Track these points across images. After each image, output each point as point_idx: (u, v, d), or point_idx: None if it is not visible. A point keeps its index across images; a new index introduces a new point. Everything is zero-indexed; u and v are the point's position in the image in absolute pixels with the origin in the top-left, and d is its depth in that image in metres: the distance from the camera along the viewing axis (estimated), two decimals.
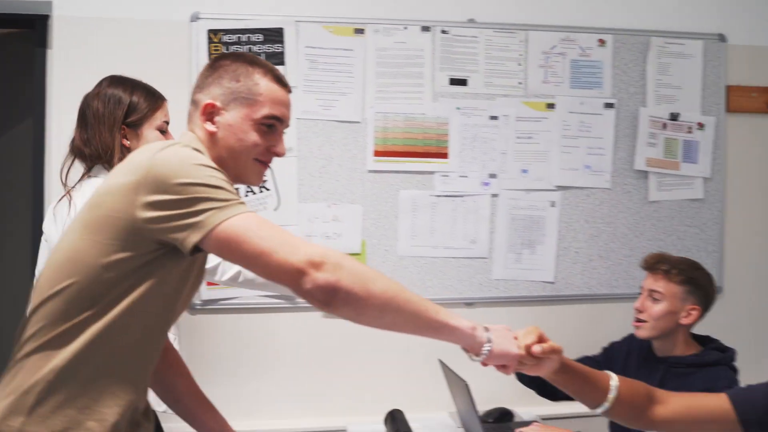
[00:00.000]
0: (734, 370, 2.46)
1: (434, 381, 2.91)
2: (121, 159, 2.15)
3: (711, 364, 2.45)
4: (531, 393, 2.81)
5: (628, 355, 2.68)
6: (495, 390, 2.80)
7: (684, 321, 2.47)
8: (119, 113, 2.34)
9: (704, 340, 2.56)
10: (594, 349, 3.08)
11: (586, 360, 2.77)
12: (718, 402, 1.64)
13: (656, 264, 2.56)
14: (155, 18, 2.96)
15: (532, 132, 3.16)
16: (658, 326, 2.51)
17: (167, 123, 2.40)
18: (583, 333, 3.21)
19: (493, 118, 3.14)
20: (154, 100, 2.40)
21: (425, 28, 3.08)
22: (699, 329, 2.56)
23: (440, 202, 3.09)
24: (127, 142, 2.33)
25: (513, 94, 3.15)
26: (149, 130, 2.35)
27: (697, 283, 2.49)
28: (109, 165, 2.29)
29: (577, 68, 3.19)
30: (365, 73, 3.03)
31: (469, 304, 3.13)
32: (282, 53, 2.95)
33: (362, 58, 3.02)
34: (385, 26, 3.05)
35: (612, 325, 3.13)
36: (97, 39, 2.94)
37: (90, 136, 2.35)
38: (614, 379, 1.62)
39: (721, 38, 3.33)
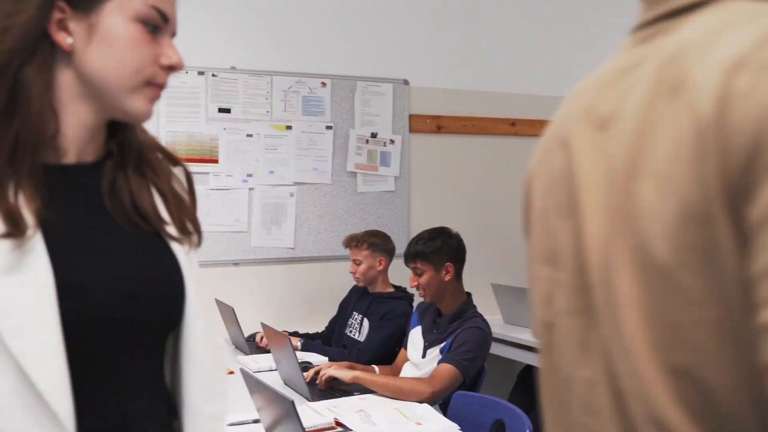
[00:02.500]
0: (411, 306, 3.90)
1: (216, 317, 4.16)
2: None
3: (396, 297, 3.92)
4: (288, 317, 4.15)
5: (353, 296, 4.10)
6: (258, 316, 4.07)
7: (380, 268, 3.93)
8: None
9: (397, 287, 4.01)
10: (325, 294, 4.46)
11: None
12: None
13: (349, 243, 4.00)
14: None
15: (277, 145, 4.42)
16: (367, 277, 3.94)
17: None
18: (316, 283, 4.57)
19: (249, 135, 4.35)
20: None
21: (201, 73, 4.26)
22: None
23: (214, 193, 4.28)
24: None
25: (262, 119, 4.39)
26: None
27: (376, 244, 3.95)
28: None
29: (307, 102, 4.49)
30: (159, 103, 4.17)
31: (236, 264, 4.39)
32: None
33: None
34: None
35: (335, 277, 4.52)
36: None
37: None
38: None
39: (405, 82, 4.76)
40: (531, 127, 5.17)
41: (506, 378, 4.66)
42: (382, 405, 2.73)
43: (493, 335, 4.35)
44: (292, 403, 1.88)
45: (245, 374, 2.26)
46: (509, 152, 5.12)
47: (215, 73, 4.31)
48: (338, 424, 2.52)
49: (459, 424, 2.54)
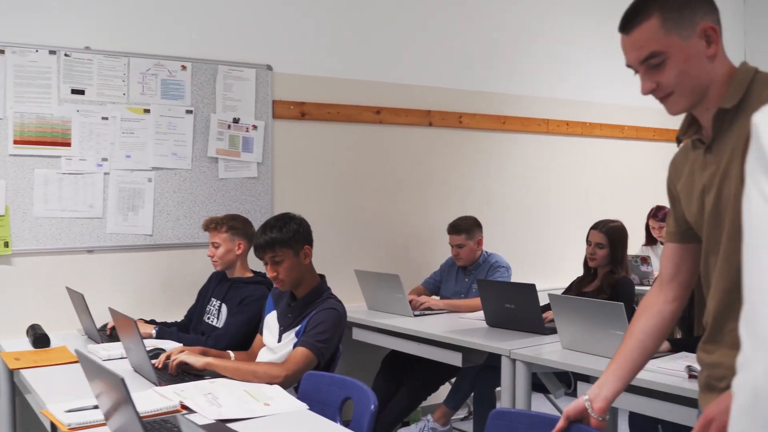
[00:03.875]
0: (269, 288, 3.87)
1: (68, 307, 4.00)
2: None
3: (255, 282, 3.88)
4: (146, 306, 4.05)
5: (211, 283, 4.04)
6: (115, 305, 3.96)
7: (238, 252, 3.88)
8: None
9: (257, 273, 3.96)
10: (184, 281, 4.35)
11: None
12: None
13: (208, 225, 3.94)
14: None
15: (134, 129, 4.29)
16: (225, 261, 3.89)
17: None
18: (175, 271, 4.47)
19: (105, 118, 4.21)
20: None
21: (52, 52, 4.08)
22: None
23: (66, 177, 4.12)
24: None
25: (119, 102, 4.25)
26: None
27: (235, 227, 3.91)
28: None
29: (166, 85, 4.38)
30: (6, 83, 3.96)
31: (90, 251, 4.24)
32: None
33: (3, 72, 3.96)
34: (21, 49, 4.01)
35: (195, 265, 4.45)
36: None
37: None
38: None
39: (269, 68, 4.74)
40: (395, 116, 5.23)
41: (371, 364, 4.68)
42: (232, 387, 2.69)
43: (358, 322, 4.40)
44: (122, 380, 1.81)
45: (81, 357, 2.18)
46: (374, 140, 5.16)
47: (68, 53, 4.14)
48: (183, 407, 2.47)
49: (308, 404, 2.53)
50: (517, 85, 5.87)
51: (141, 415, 2.35)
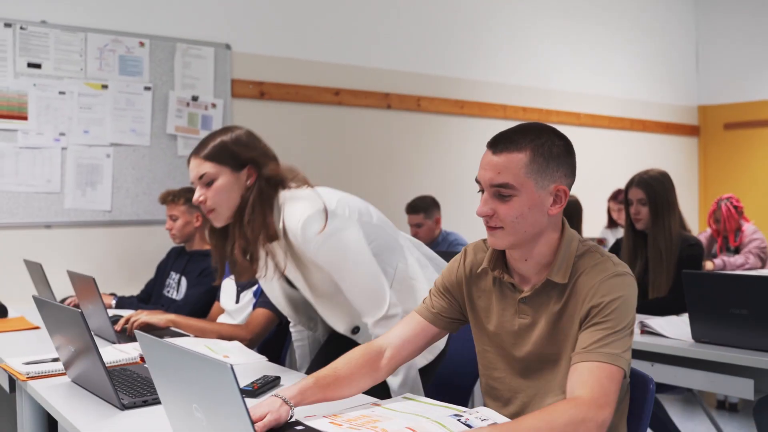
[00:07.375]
0: None
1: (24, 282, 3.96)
2: None
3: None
4: (105, 282, 4.01)
5: (171, 257, 4.02)
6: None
7: (197, 225, 3.88)
8: None
9: None
10: (143, 258, 4.33)
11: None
12: None
13: (165, 198, 3.92)
14: None
15: (92, 104, 4.28)
16: (183, 233, 3.88)
17: None
18: (134, 247, 4.46)
19: (62, 93, 4.19)
20: None
21: (8, 25, 4.05)
22: None
23: (23, 152, 4.10)
24: None
25: (76, 77, 4.23)
26: None
27: (192, 199, 3.90)
28: None
29: (124, 61, 4.37)
30: None
31: (48, 226, 4.22)
32: None
33: None
34: None
35: (154, 241, 4.44)
36: None
37: None
38: None
39: (227, 47, 4.75)
40: (354, 98, 5.26)
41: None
42: (192, 343, 2.70)
43: None
44: (81, 314, 1.82)
45: (39, 302, 2.18)
46: (332, 121, 5.19)
47: (24, 26, 4.11)
48: (143, 359, 2.48)
49: None
50: (475, 70, 5.94)
51: None
